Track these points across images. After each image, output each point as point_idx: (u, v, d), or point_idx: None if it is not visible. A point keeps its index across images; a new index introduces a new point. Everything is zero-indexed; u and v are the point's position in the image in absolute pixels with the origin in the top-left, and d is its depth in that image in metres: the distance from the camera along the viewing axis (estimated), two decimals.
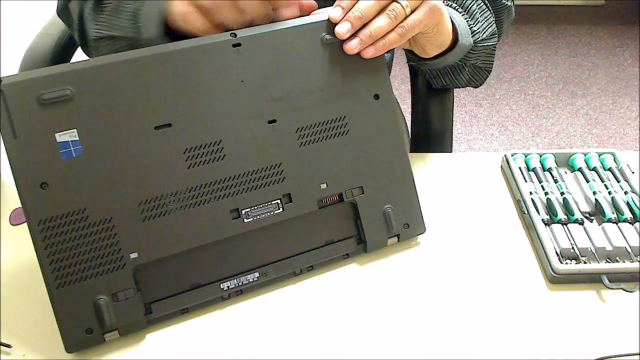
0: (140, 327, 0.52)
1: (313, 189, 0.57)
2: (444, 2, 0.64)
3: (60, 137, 0.49)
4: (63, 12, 0.68)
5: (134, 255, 0.51)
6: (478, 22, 0.71)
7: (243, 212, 0.54)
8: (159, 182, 0.52)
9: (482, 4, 0.73)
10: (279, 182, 0.55)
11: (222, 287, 0.55)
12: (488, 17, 0.73)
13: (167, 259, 0.52)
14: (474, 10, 0.71)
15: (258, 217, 0.55)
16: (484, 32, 0.72)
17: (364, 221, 0.59)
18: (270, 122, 0.55)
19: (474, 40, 0.70)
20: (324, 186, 0.57)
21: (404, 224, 0.60)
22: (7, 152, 0.48)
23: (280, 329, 0.54)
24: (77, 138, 0.49)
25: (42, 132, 0.48)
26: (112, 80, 0.50)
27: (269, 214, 0.55)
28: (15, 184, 0.48)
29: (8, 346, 0.51)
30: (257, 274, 0.56)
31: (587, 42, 2.63)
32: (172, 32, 0.59)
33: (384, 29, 0.56)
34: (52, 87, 0.48)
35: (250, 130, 0.54)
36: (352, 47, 0.56)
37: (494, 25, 0.74)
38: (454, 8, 0.71)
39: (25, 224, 0.48)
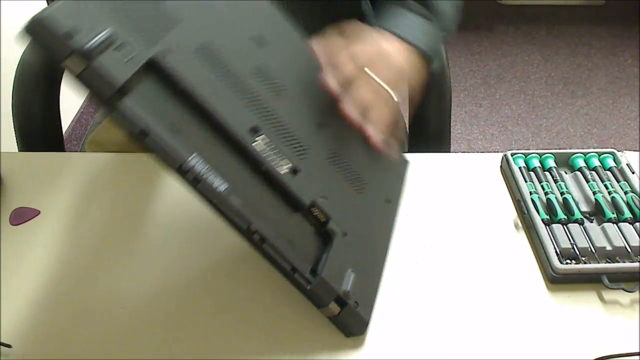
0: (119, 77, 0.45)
1: (314, 190, 0.56)
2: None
3: None
4: None
5: (157, 48, 0.49)
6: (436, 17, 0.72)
7: (259, 137, 0.53)
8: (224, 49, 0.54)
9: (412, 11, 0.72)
10: (297, 154, 0.56)
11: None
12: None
13: (181, 92, 0.50)
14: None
15: (267, 154, 0.53)
16: (446, 17, 0.73)
17: (331, 255, 0.54)
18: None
19: (444, 31, 0.72)
20: (323, 199, 0.56)
21: (355, 301, 0.53)
22: None
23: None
24: None
25: None
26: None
27: (274, 162, 0.54)
28: None
29: (8, 346, 0.51)
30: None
31: (587, 42, 2.63)
32: None
33: None
34: None
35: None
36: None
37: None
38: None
39: (25, 224, 0.48)
